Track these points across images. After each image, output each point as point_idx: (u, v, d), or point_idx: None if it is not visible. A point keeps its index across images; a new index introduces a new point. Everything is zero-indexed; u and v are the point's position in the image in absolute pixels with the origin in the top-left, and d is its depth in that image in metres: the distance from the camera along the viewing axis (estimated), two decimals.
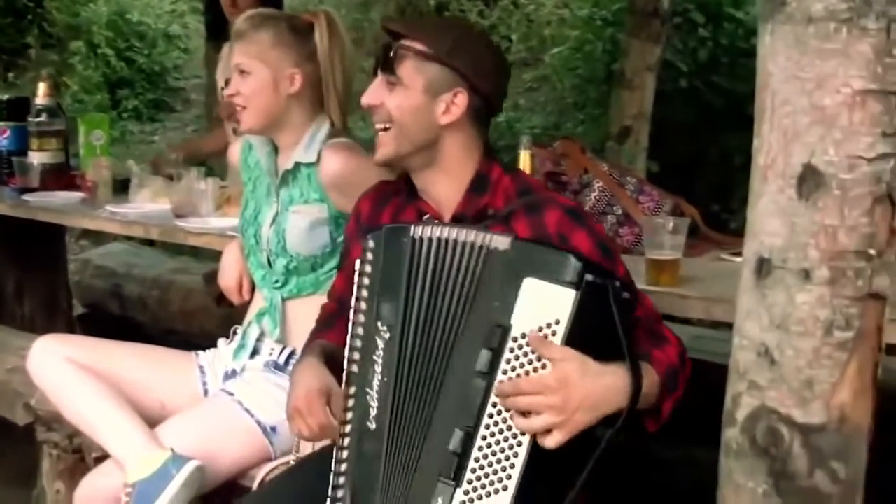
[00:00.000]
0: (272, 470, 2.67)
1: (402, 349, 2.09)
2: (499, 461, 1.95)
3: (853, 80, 1.43)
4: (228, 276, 3.05)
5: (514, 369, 1.96)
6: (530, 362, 1.95)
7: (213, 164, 5.25)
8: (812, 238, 1.46)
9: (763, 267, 1.52)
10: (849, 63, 1.43)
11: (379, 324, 2.12)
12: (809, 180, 1.45)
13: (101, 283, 5.95)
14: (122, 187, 4.19)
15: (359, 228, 2.45)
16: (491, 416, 1.97)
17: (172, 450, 2.60)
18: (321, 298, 2.69)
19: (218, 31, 6.67)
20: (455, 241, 2.08)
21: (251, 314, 2.95)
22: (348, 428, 2.15)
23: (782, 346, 1.50)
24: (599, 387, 1.96)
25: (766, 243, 1.51)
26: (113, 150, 4.53)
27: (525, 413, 1.94)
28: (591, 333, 1.96)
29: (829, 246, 1.45)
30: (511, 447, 1.95)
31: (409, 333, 2.09)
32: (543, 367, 1.94)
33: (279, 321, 2.83)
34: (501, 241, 2.03)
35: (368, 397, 2.12)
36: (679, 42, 7.31)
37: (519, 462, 1.94)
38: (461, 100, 2.24)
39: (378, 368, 2.11)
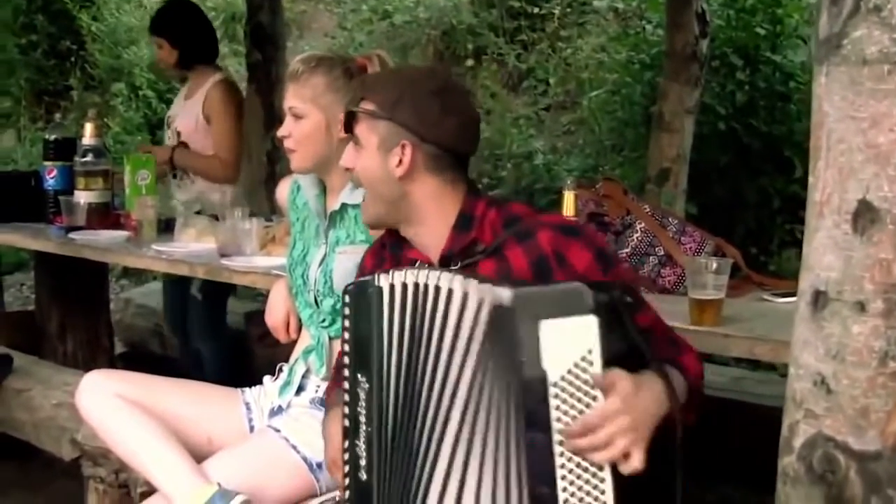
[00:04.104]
0: None
1: (381, 399, 2.11)
2: None
3: None
4: (276, 315, 3.08)
5: (566, 413, 1.91)
6: (579, 400, 1.92)
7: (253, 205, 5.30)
8: (867, 271, 1.48)
9: (819, 299, 1.53)
10: None
11: (359, 375, 2.16)
12: (864, 216, 1.47)
13: (143, 322, 6.00)
14: (165, 226, 4.25)
15: None
16: (563, 465, 1.91)
17: (219, 484, 2.61)
18: None
19: (261, 74, 6.76)
20: (425, 286, 2.06)
21: (297, 351, 2.98)
22: (347, 481, 2.20)
23: (838, 376, 1.52)
24: (650, 395, 1.97)
25: (822, 276, 1.53)
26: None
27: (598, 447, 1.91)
28: (618, 349, 1.96)
29: (883, 279, 1.48)
30: (595, 486, 1.90)
31: (386, 383, 2.10)
32: (594, 398, 1.92)
33: (326, 359, 2.85)
34: (504, 296, 1.95)
35: (358, 449, 2.15)
36: (717, 85, 7.31)
37: (609, 498, 1.91)
38: (409, 152, 2.27)
39: (363, 419, 2.14)
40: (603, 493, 1.90)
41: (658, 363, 2.02)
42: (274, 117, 6.73)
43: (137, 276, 7.74)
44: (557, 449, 1.91)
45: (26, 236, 4.54)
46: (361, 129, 2.32)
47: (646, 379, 1.98)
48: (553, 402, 1.90)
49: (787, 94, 7.38)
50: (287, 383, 2.93)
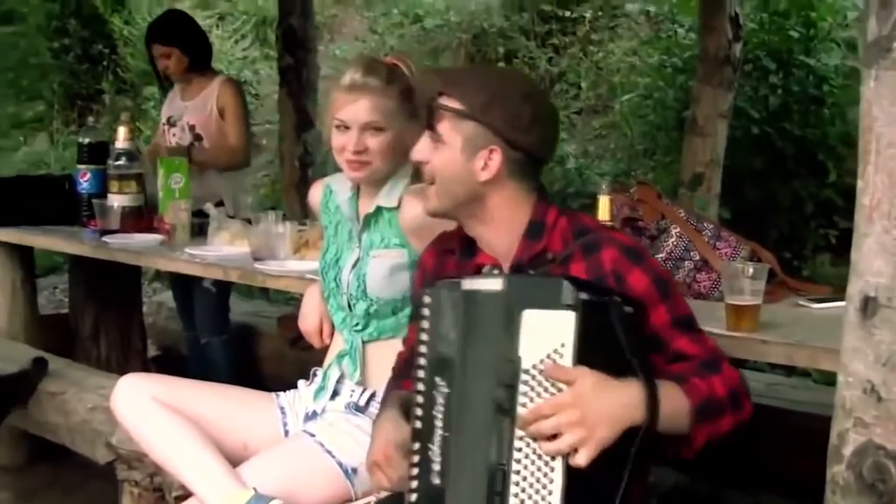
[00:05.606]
0: None
1: (462, 405, 2.09)
2: (537, 491, 1.95)
3: None
4: (309, 320, 3.07)
5: (532, 400, 1.96)
6: (546, 390, 1.96)
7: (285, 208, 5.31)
8: None
9: (869, 306, 1.52)
10: None
11: (437, 378, 2.13)
12: None
13: (175, 325, 5.99)
14: (198, 230, 4.25)
15: (425, 281, 2.45)
16: (520, 448, 1.96)
17: (255, 489, 2.60)
18: (400, 342, 2.71)
19: (292, 77, 6.77)
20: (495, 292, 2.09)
21: (331, 356, 2.97)
22: (414, 484, 2.16)
23: (888, 384, 1.51)
24: (615, 399, 1.96)
25: (872, 282, 1.52)
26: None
27: (551, 438, 1.94)
28: (598, 352, 1.98)
29: None
30: (545, 474, 1.95)
31: (463, 386, 2.09)
32: (559, 391, 1.95)
33: (359, 364, 2.85)
34: (495, 283, 2.06)
35: (431, 453, 2.13)
36: (750, 89, 7.27)
37: (557, 487, 1.94)
38: (497, 157, 2.23)
39: (439, 423, 2.12)
40: (552, 481, 1.94)
41: (648, 375, 2.01)
42: (305, 121, 6.76)
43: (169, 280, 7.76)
44: (518, 433, 1.97)
45: (60, 240, 4.55)
46: (445, 126, 2.25)
47: (621, 384, 1.98)
48: (522, 388, 1.97)
49: (821, 98, 7.34)
50: (321, 388, 2.92)
